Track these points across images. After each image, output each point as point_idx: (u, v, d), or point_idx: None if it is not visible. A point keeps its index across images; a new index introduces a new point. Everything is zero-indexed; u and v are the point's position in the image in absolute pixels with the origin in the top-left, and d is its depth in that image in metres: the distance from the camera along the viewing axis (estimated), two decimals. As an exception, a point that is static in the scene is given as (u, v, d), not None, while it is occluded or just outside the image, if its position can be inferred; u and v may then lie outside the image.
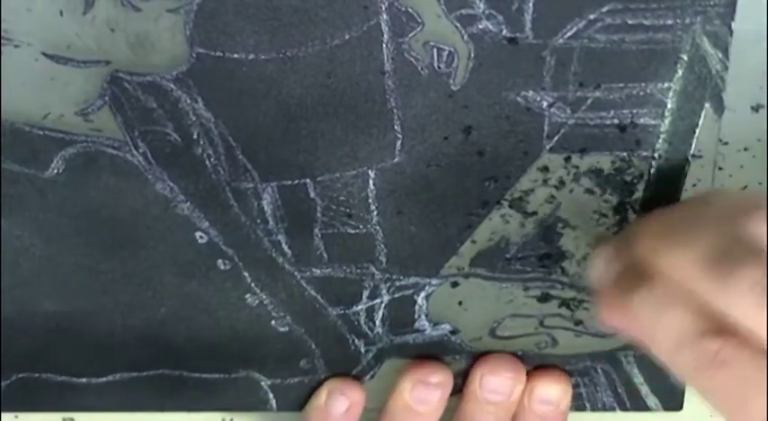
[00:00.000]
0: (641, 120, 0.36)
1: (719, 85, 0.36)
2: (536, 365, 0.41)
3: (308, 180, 0.37)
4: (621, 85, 0.36)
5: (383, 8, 0.34)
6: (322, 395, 0.41)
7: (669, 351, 0.29)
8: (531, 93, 0.36)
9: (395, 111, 0.36)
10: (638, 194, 0.37)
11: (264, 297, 0.40)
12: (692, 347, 0.28)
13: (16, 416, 0.43)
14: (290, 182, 0.37)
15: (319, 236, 0.38)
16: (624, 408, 0.42)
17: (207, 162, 0.37)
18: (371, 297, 0.40)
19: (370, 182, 0.37)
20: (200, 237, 0.38)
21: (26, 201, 0.38)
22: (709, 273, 0.28)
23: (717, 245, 0.29)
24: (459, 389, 0.41)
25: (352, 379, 0.41)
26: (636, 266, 0.31)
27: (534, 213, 0.38)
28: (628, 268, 0.31)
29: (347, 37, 0.35)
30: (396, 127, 0.36)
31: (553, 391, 0.41)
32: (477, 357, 0.41)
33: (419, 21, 0.35)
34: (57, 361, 0.41)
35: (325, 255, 0.39)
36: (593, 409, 0.42)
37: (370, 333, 0.40)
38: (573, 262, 0.39)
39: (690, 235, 0.29)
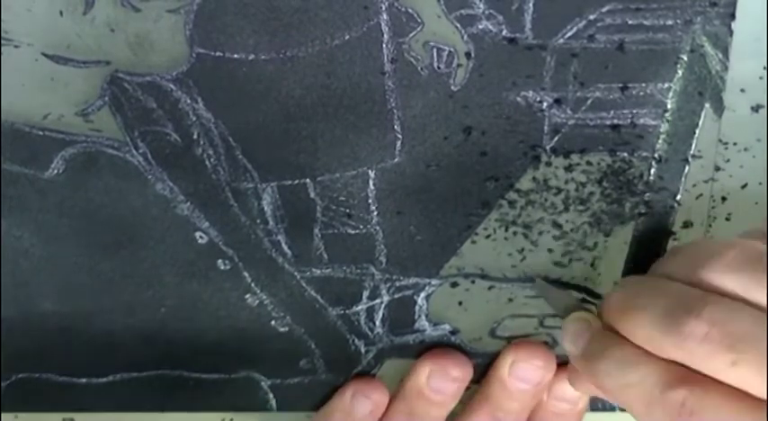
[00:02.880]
0: (641, 121, 0.36)
1: (719, 85, 0.36)
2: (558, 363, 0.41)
3: (307, 180, 0.37)
4: (621, 85, 0.36)
5: (383, 8, 0.34)
6: (346, 395, 0.41)
7: (640, 411, 0.29)
8: (531, 93, 0.36)
9: (395, 111, 0.36)
10: (639, 196, 0.37)
11: (264, 297, 0.40)
12: (659, 403, 0.29)
13: (16, 417, 0.43)
14: (289, 182, 0.37)
15: (319, 236, 0.38)
16: (623, 409, 0.42)
17: (207, 162, 0.37)
18: (371, 297, 0.40)
19: (370, 182, 0.37)
20: (200, 237, 0.38)
21: (26, 201, 0.38)
22: (664, 330, 0.29)
23: (671, 301, 0.29)
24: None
25: (376, 380, 0.41)
26: (602, 335, 0.32)
27: (534, 213, 0.38)
28: (595, 338, 0.32)
29: (347, 37, 0.35)
30: (396, 127, 0.36)
31: (572, 390, 0.40)
32: (510, 343, 0.40)
33: (419, 21, 0.35)
34: (57, 361, 0.41)
35: (325, 256, 0.39)
36: (594, 409, 0.42)
37: (370, 333, 0.40)
38: (572, 263, 0.39)
39: (646, 296, 0.30)
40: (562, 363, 0.40)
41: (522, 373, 0.40)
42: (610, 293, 0.32)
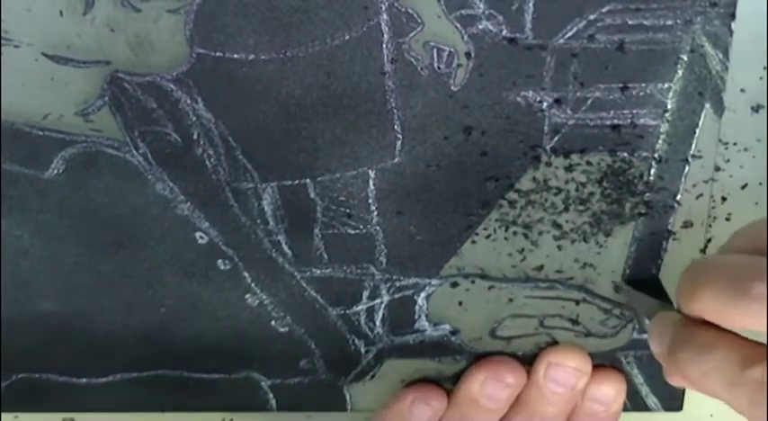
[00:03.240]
0: (641, 121, 0.36)
1: (719, 85, 0.36)
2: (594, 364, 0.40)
3: (307, 180, 0.37)
4: (621, 85, 0.36)
5: (383, 8, 0.34)
6: (406, 401, 0.41)
7: (725, 396, 0.29)
8: (531, 93, 0.36)
9: (395, 111, 0.36)
10: (639, 196, 0.37)
11: (264, 297, 0.40)
12: (740, 383, 0.28)
13: (16, 417, 0.43)
14: (290, 182, 0.37)
15: (319, 236, 0.38)
16: (624, 408, 0.42)
17: (207, 162, 0.37)
18: (371, 297, 0.40)
19: (370, 182, 0.37)
20: (201, 237, 0.38)
21: (26, 201, 0.38)
22: (731, 297, 0.28)
23: (735, 270, 0.29)
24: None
25: (436, 386, 0.41)
26: (682, 327, 0.31)
27: (534, 213, 0.38)
28: (676, 331, 0.31)
29: (347, 37, 0.35)
30: (396, 127, 0.36)
31: (606, 391, 0.40)
32: (546, 346, 0.40)
33: (419, 21, 0.35)
34: (57, 361, 0.41)
35: (325, 256, 0.39)
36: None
37: (370, 333, 0.40)
38: (572, 262, 0.39)
39: (711, 270, 0.30)
40: (599, 365, 0.40)
41: (558, 377, 0.40)
42: (680, 278, 0.31)
